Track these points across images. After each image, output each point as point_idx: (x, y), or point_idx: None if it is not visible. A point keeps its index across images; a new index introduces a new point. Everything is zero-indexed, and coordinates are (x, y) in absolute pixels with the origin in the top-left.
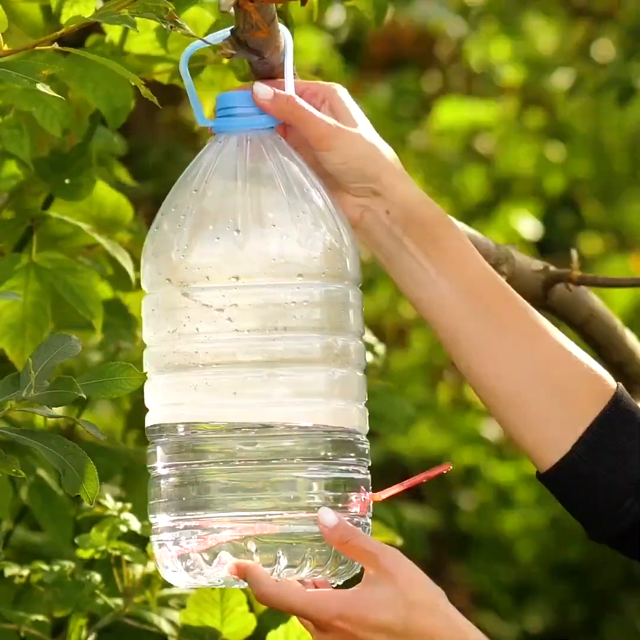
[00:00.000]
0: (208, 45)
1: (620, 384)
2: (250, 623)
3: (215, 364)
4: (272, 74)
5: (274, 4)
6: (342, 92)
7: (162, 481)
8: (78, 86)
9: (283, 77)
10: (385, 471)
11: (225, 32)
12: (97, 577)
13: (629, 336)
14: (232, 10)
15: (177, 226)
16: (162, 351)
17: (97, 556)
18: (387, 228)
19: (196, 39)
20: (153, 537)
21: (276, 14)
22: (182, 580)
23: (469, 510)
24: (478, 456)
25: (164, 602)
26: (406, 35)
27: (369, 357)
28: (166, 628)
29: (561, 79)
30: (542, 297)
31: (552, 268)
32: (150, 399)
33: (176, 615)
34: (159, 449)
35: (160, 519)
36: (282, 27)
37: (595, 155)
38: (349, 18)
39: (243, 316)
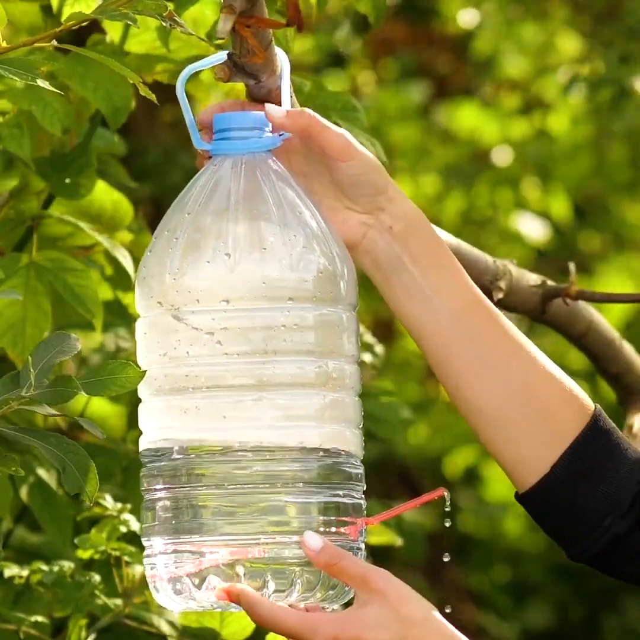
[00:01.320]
0: (205, 68)
1: (599, 406)
2: (249, 625)
3: (205, 388)
4: (268, 98)
5: (270, 30)
6: (315, 113)
7: (155, 505)
8: (79, 86)
9: (279, 100)
10: (383, 470)
11: (222, 55)
12: (96, 577)
13: (627, 347)
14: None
15: (169, 249)
16: (154, 374)
17: (96, 556)
18: (388, 244)
19: (196, 37)
20: (145, 560)
21: (272, 39)
22: (173, 604)
23: (468, 510)
24: (476, 455)
25: None
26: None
27: (369, 357)
28: (166, 629)
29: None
30: (539, 311)
31: (549, 282)
32: (143, 421)
33: (176, 616)
34: (152, 472)
35: (154, 542)
36: (278, 51)
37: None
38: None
39: (233, 340)
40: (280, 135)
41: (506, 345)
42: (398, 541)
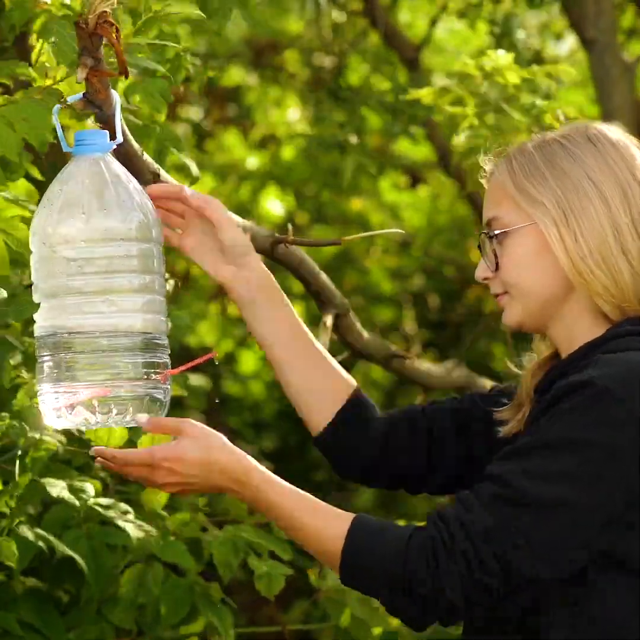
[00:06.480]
0: (73, 101)
1: (357, 384)
2: (120, 435)
3: (72, 294)
4: (108, 120)
5: (108, 77)
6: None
7: (44, 365)
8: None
9: (115, 122)
10: (180, 356)
11: (80, 94)
12: None
13: (323, 275)
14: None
15: (49, 212)
16: (41, 286)
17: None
18: (246, 289)
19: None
20: (39, 398)
21: (110, 83)
22: (55, 424)
23: (227, 378)
24: (233, 345)
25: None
26: None
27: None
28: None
29: None
30: (270, 251)
31: (276, 234)
32: (37, 316)
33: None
34: (43, 346)
35: (43, 387)
36: (113, 91)
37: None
38: None
39: (88, 264)
40: (114, 141)
41: (311, 351)
42: (185, 393)
